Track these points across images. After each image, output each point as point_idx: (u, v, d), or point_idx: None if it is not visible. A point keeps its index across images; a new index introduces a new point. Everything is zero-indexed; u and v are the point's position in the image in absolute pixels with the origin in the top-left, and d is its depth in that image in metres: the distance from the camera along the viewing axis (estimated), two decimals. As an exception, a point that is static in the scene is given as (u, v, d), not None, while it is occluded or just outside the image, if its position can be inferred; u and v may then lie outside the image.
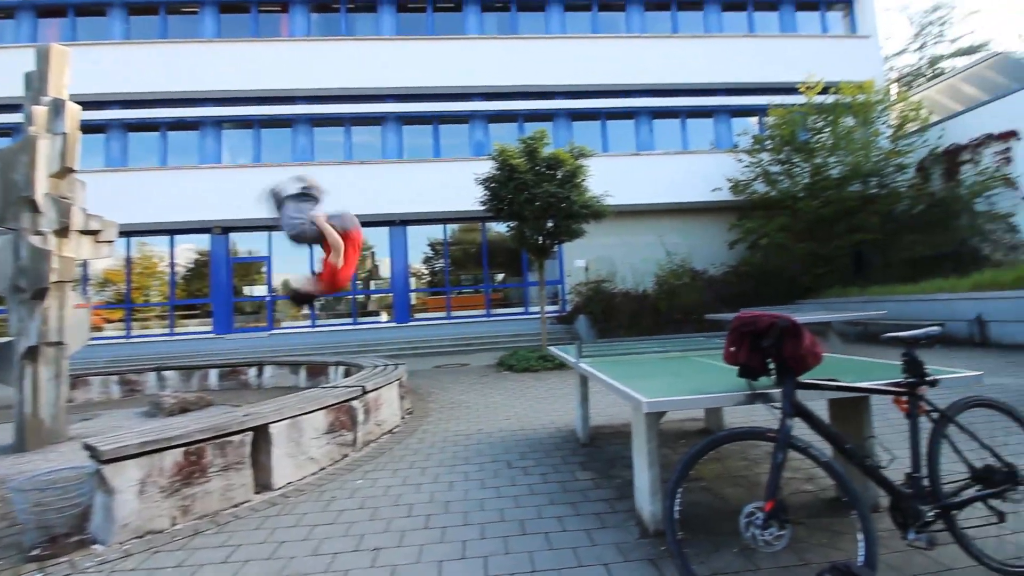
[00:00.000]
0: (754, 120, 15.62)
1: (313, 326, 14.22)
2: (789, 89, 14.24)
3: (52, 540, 2.70)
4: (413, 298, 14.91)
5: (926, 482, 2.00)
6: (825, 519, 2.56)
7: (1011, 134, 11.44)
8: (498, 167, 9.41)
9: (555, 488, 3.24)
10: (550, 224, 9.64)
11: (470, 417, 5.43)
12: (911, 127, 13.38)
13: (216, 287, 14.11)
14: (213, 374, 8.49)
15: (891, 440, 3.07)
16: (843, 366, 2.80)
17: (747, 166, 13.80)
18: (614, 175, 13.15)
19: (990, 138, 11.90)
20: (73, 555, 2.58)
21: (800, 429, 1.95)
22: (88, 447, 2.82)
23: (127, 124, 14.23)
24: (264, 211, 4.39)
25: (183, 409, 6.20)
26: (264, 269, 14.43)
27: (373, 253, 15.21)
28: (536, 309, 14.31)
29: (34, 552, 2.61)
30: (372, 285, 15.17)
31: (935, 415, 2.09)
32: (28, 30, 14.36)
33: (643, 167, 14.65)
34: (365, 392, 4.47)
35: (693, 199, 14.55)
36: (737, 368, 2.06)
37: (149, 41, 14.23)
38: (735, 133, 15.52)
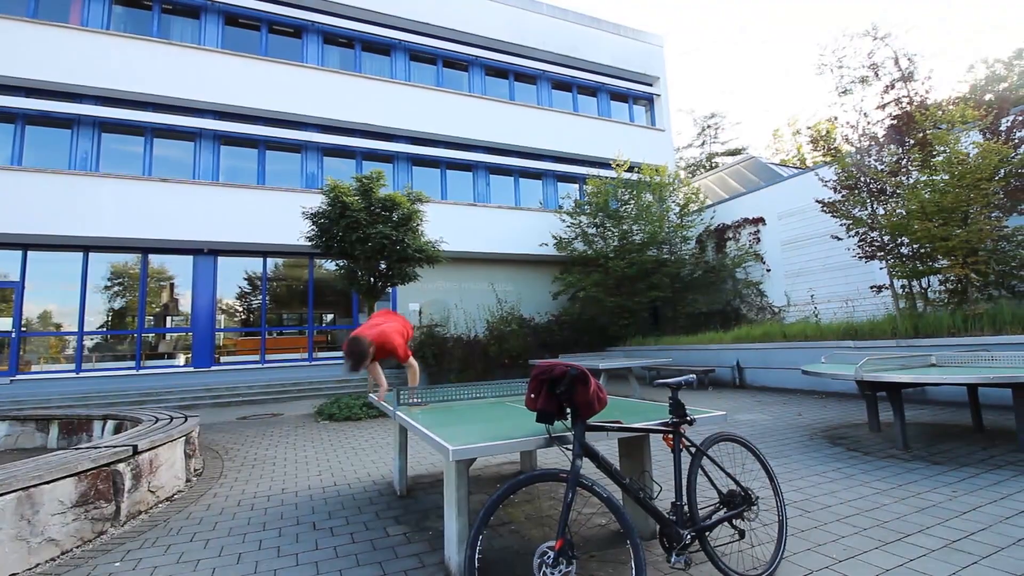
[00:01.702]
0: (576, 186, 17.59)
1: (78, 371, 11.53)
2: (604, 163, 16.49)
3: None
4: (221, 338, 13.11)
5: (686, 509, 2.34)
6: (613, 551, 2.81)
7: (760, 220, 14.69)
8: (329, 203, 9.02)
9: (364, 548, 3.03)
10: (383, 265, 9.47)
11: (275, 475, 4.86)
12: (693, 207, 16.35)
13: (-71, 318, 10.69)
14: (-96, 436, 6.30)
15: (667, 473, 3.54)
16: (629, 408, 3.18)
17: (569, 226, 15.37)
18: (451, 223, 13.55)
19: (746, 221, 15.11)
20: None
21: (589, 468, 2.14)
22: None
23: None
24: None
25: None
26: (13, 297, 11.40)
27: (172, 285, 13.09)
28: (366, 352, 13.70)
29: None
30: (169, 322, 12.97)
31: (692, 449, 2.48)
32: None
33: (479, 218, 15.36)
34: (137, 452, 3.72)
35: (523, 251, 15.63)
36: (536, 414, 2.20)
37: None
38: (560, 196, 17.29)
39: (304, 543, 3.13)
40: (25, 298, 11.43)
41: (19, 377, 10.95)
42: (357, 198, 9.04)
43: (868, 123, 9.42)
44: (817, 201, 9.76)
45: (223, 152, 13.40)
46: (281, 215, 12.34)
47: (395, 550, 2.99)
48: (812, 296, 12.57)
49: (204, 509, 3.85)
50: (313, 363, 13.37)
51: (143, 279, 12.40)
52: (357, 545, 3.08)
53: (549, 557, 1.91)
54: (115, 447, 3.65)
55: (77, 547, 3.18)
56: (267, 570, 2.75)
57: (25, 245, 11.43)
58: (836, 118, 10.61)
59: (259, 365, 12.85)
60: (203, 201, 12.45)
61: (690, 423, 2.47)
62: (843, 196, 9.28)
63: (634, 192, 15.01)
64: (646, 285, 14.09)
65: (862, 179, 8.94)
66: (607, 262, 14.28)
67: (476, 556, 1.95)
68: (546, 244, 15.54)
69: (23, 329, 11.33)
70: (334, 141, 14.26)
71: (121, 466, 3.57)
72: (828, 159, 9.71)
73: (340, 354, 14.01)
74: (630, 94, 19.41)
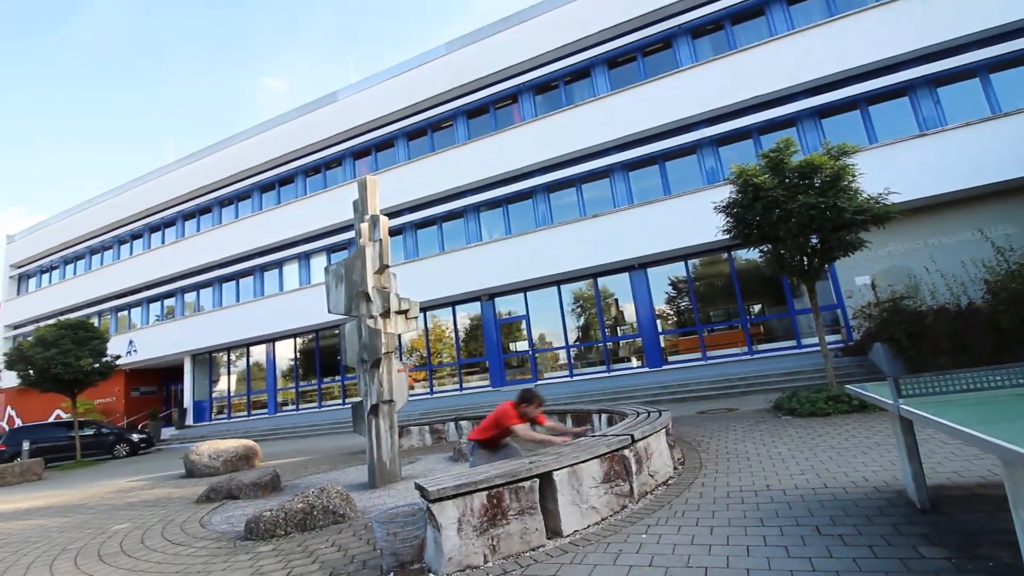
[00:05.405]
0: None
1: (571, 375, 14.99)
2: None
3: (401, 566, 3.31)
4: (662, 340, 14.47)
5: None
6: None
7: None
8: (739, 190, 8.66)
9: (892, 567, 2.57)
10: (814, 240, 8.33)
11: (753, 470, 4.83)
12: None
13: (489, 346, 16.24)
14: (494, 424, 9.62)
15: None
16: None
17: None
18: (893, 167, 10.90)
19: None
20: (418, 581, 3.11)
21: None
22: (419, 487, 3.43)
23: (415, 223, 18.03)
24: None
25: (476, 456, 7.10)
26: (523, 326, 16.05)
27: (616, 300, 15.45)
28: (810, 341, 12.30)
29: (390, 575, 3.24)
30: (619, 331, 15.32)
31: None
32: (350, 171, 19.79)
33: (934, 149, 11.64)
34: (634, 440, 4.41)
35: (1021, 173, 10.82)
36: None
37: (422, 157, 18.01)
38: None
39: (812, 547, 2.92)
40: (531, 326, 15.85)
41: (538, 382, 15.12)
42: (767, 176, 8.35)
43: None
44: None
45: (631, 177, 15.09)
46: (689, 219, 12.80)
47: (941, 577, 2.41)
48: None
49: (698, 497, 4.18)
50: (754, 356, 12.98)
51: (598, 299, 15.17)
52: (882, 562, 2.64)
53: None
54: (618, 435, 4.44)
55: (610, 516, 3.97)
56: (782, 569, 2.69)
57: (523, 289, 15.91)
58: None
59: (703, 362, 13.46)
60: (625, 224, 14.31)
61: None
62: None
63: None
64: None
65: None
66: None
67: None
68: (1075, 151, 10.25)
69: (534, 348, 15.69)
70: (726, 128, 13.85)
71: (626, 452, 4.30)
72: None
73: (783, 345, 13.11)
74: None
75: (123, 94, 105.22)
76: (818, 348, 9.18)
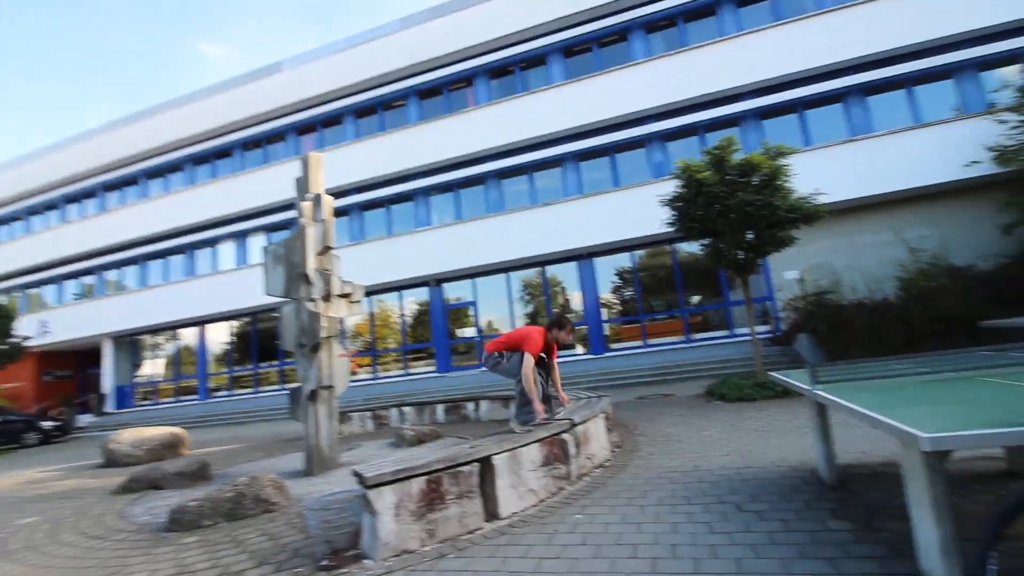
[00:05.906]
0: (1015, 68, 12.09)
1: (516, 362, 15.13)
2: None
3: (335, 553, 3.26)
4: (607, 328, 14.85)
5: None
6: None
7: None
8: (683, 184, 8.96)
9: (802, 538, 2.78)
10: (750, 236, 8.76)
11: (684, 452, 5.07)
12: None
13: (436, 332, 16.10)
14: (440, 409, 9.59)
15: None
16: None
17: (1015, 128, 10.67)
18: (824, 169, 11.54)
19: None
20: (351, 567, 3.06)
21: None
22: (356, 474, 3.36)
23: (361, 205, 17.49)
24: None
25: (420, 440, 7.08)
26: (471, 313, 16.01)
27: (564, 288, 15.69)
28: (743, 331, 12.97)
29: (323, 562, 3.18)
30: (566, 319, 15.59)
31: None
32: (293, 147, 18.90)
33: (861, 154, 12.46)
34: (574, 425, 4.51)
35: (938, 180, 11.78)
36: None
37: (371, 136, 17.45)
38: (988, 90, 12.26)
39: (733, 523, 3.11)
40: (479, 312, 15.83)
41: (485, 368, 15.14)
42: (710, 172, 8.68)
43: None
44: None
45: (582, 168, 15.27)
46: (637, 211, 13.11)
47: (844, 548, 2.62)
48: None
49: (632, 478, 4.34)
50: (691, 344, 13.56)
51: (545, 287, 15.34)
52: (793, 535, 2.85)
53: None
54: (559, 420, 4.52)
55: (548, 498, 4.05)
56: (704, 544, 2.84)
57: (472, 275, 15.83)
58: None
59: (643, 350, 13.94)
60: (574, 213, 14.49)
61: None
62: None
63: None
64: None
65: None
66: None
67: (994, 578, 1.48)
68: (978, 162, 11.26)
69: (481, 334, 15.69)
70: (674, 124, 14.24)
71: (566, 436, 4.40)
72: None
73: (718, 334, 13.74)
74: None
75: (38, 59, 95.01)
76: (750, 337, 9.69)
